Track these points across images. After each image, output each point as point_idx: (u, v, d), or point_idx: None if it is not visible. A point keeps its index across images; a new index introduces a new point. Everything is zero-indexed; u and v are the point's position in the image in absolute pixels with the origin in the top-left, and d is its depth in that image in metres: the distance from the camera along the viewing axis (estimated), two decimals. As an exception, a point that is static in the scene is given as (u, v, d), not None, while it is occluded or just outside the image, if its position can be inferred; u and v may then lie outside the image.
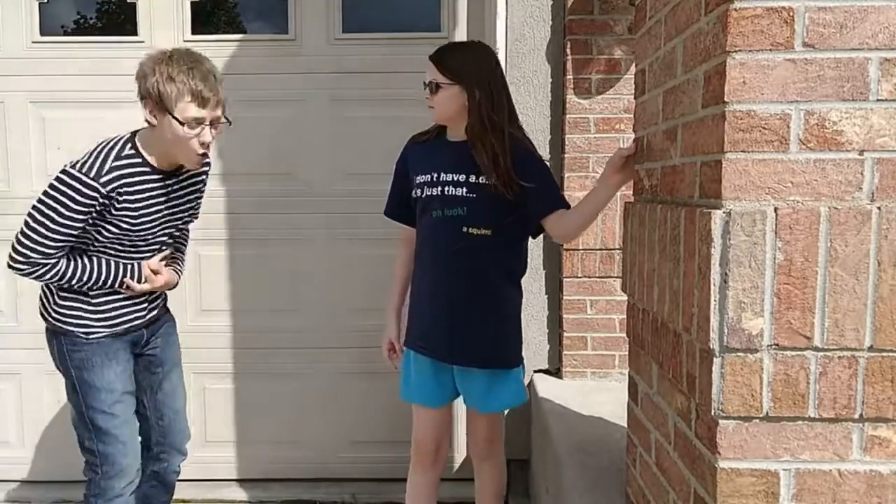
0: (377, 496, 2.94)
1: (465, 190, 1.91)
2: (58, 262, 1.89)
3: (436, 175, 1.96)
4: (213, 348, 2.95)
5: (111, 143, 1.92)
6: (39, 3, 2.89)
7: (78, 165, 1.85)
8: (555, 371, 2.75)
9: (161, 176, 1.96)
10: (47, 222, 1.83)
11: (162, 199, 1.99)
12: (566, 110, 2.66)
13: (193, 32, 2.90)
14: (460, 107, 1.92)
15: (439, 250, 1.97)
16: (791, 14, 0.99)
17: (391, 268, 2.92)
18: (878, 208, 0.98)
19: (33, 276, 1.90)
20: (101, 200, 1.85)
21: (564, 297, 2.70)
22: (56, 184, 1.84)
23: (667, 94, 1.27)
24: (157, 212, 1.98)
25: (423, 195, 1.98)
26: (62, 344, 2.00)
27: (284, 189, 2.94)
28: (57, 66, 2.88)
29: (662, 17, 1.29)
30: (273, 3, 2.97)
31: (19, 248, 1.86)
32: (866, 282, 0.98)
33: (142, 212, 1.94)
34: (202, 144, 1.89)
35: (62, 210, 1.82)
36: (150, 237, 2.01)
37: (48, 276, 1.90)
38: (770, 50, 0.99)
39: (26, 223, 1.86)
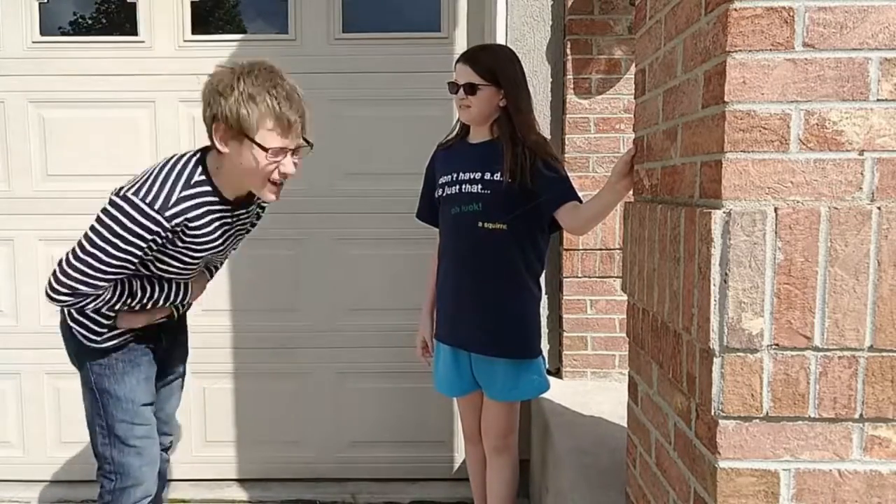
0: (377, 496, 2.94)
1: (479, 187, 2.00)
2: (104, 294, 1.70)
3: (455, 175, 2.06)
4: (214, 348, 2.95)
5: (179, 166, 1.67)
6: (39, 3, 2.89)
7: (141, 193, 1.60)
8: (555, 371, 2.75)
9: (230, 207, 1.76)
10: (100, 255, 1.61)
11: (227, 230, 1.81)
12: (566, 110, 2.66)
13: (193, 32, 2.90)
14: (495, 106, 2.00)
15: (459, 246, 2.07)
16: (791, 14, 0.99)
17: (391, 267, 2.95)
18: (878, 208, 0.98)
19: (75, 307, 1.72)
20: (163, 234, 1.64)
21: (564, 297, 2.70)
22: (114, 212, 1.61)
23: (667, 94, 1.27)
24: (217, 245, 1.80)
25: (444, 194, 2.09)
26: (81, 345, 1.86)
27: (284, 189, 2.92)
28: (57, 66, 2.88)
29: (662, 17, 1.29)
30: (273, 3, 2.96)
31: (64, 279, 1.64)
32: (866, 282, 0.98)
33: (203, 246, 1.75)
34: (282, 175, 1.67)
35: (119, 244, 1.60)
36: (197, 267, 1.86)
37: (91, 307, 1.72)
38: (770, 50, 0.99)
39: (76, 254, 1.63)
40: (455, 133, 2.16)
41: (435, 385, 2.23)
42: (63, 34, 2.99)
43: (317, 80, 2.89)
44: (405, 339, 2.83)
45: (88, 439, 2.98)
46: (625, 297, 1.55)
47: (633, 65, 1.71)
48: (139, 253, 1.64)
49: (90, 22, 3.05)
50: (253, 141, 1.61)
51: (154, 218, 1.60)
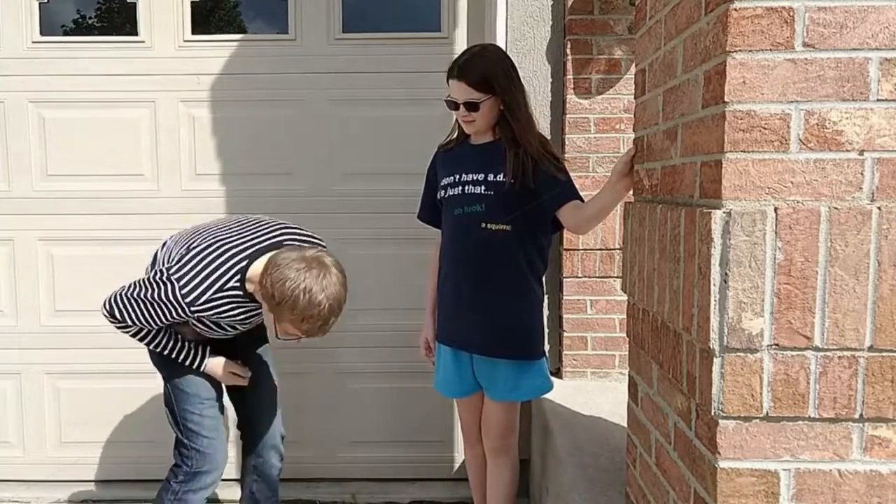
0: (377, 496, 2.94)
1: (483, 188, 2.00)
2: (142, 332, 2.01)
3: (458, 176, 2.05)
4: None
5: (222, 270, 1.91)
6: (39, 3, 2.89)
7: (182, 282, 1.87)
8: (555, 371, 2.75)
9: (256, 303, 1.98)
10: (139, 312, 1.93)
11: (250, 314, 2.04)
12: (566, 110, 2.66)
13: (193, 32, 2.90)
14: (497, 113, 1.99)
15: (462, 247, 2.06)
16: (791, 14, 0.99)
17: (391, 267, 2.95)
18: (878, 208, 0.98)
19: (118, 328, 2.02)
20: (186, 317, 1.93)
21: (564, 297, 2.70)
22: (157, 288, 1.89)
23: (667, 94, 1.27)
24: (240, 321, 2.05)
25: (447, 195, 2.09)
26: (151, 353, 2.15)
27: (284, 189, 2.94)
28: (57, 66, 2.88)
29: (662, 17, 1.29)
30: (273, 3, 2.97)
31: (113, 306, 1.95)
32: (866, 282, 0.98)
33: (229, 322, 2.03)
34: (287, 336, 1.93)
35: (154, 314, 1.92)
36: (229, 334, 2.13)
37: (129, 334, 2.03)
38: (770, 50, 0.99)
39: (127, 295, 1.94)
40: (456, 134, 2.15)
41: (435, 386, 2.23)
42: (63, 34, 2.99)
43: (317, 80, 2.90)
44: (405, 339, 2.84)
45: (90, 439, 3.02)
46: (625, 297, 1.55)
47: (633, 65, 1.71)
48: (170, 322, 1.95)
49: (90, 22, 3.05)
50: (273, 319, 1.87)
51: (182, 305, 1.88)
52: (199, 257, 1.92)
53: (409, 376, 2.94)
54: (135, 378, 2.95)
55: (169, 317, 1.92)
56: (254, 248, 1.95)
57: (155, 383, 2.97)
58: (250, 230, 2.03)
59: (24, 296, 2.95)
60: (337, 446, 3.04)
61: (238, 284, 1.92)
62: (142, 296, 1.91)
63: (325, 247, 2.12)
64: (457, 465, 3.01)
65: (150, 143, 2.92)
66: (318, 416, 3.03)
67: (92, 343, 2.94)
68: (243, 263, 1.92)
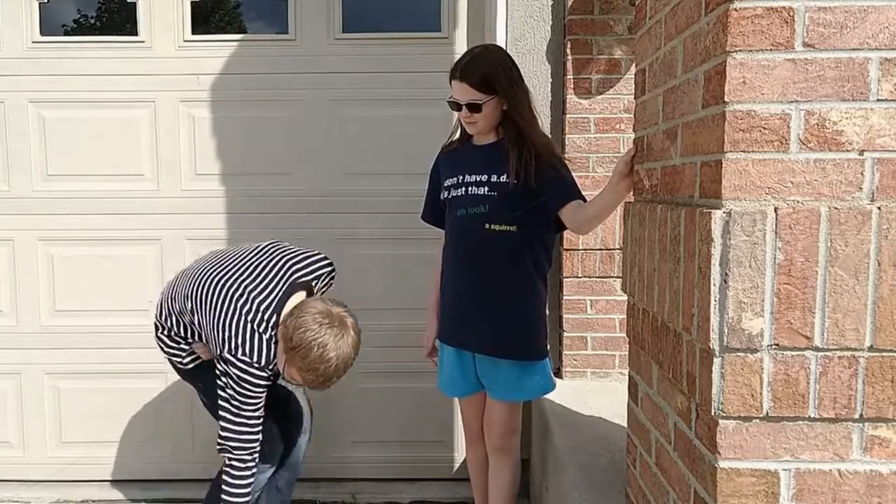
0: (377, 496, 2.94)
1: (486, 189, 2.00)
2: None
3: (461, 177, 2.05)
4: (213, 348, 2.95)
5: (259, 329, 2.01)
6: (39, 3, 2.89)
7: (240, 352, 1.97)
8: (555, 371, 2.75)
9: None
10: (246, 405, 2.00)
11: None
12: (566, 110, 2.66)
13: (193, 32, 2.90)
14: (500, 113, 1.99)
15: (465, 247, 2.06)
16: (791, 14, 0.99)
17: (391, 267, 2.95)
18: (878, 208, 0.98)
19: (245, 481, 2.07)
20: (272, 374, 2.04)
21: (564, 297, 2.70)
22: (230, 375, 1.98)
23: (667, 94, 1.27)
24: None
25: (450, 196, 2.08)
26: (179, 368, 2.30)
27: (284, 189, 2.94)
28: (57, 66, 2.88)
29: (662, 17, 1.29)
30: (273, 3, 2.97)
31: (230, 426, 2.02)
32: (866, 282, 0.98)
33: None
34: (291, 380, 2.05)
35: (253, 394, 2.00)
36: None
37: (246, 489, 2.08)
38: (770, 50, 0.99)
39: (228, 409, 2.01)
40: (458, 135, 2.15)
41: (438, 386, 2.23)
42: (64, 34, 2.99)
43: (317, 80, 2.90)
44: (405, 339, 2.83)
45: (90, 439, 3.02)
46: (625, 297, 1.55)
47: (633, 65, 1.71)
48: (260, 389, 2.01)
49: (91, 22, 3.05)
50: (284, 362, 1.97)
51: (258, 366, 1.99)
52: (233, 324, 2.00)
53: (410, 376, 2.93)
54: (135, 378, 2.95)
55: (260, 384, 2.00)
56: (277, 299, 2.05)
57: (155, 383, 2.99)
58: (258, 271, 2.10)
59: (24, 296, 2.95)
60: (337, 446, 3.03)
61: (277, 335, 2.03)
62: (230, 392, 1.98)
63: (323, 256, 2.25)
64: (457, 465, 3.01)
65: (150, 143, 2.92)
66: (318, 415, 3.02)
67: (92, 343, 2.94)
68: (274, 318, 2.02)
